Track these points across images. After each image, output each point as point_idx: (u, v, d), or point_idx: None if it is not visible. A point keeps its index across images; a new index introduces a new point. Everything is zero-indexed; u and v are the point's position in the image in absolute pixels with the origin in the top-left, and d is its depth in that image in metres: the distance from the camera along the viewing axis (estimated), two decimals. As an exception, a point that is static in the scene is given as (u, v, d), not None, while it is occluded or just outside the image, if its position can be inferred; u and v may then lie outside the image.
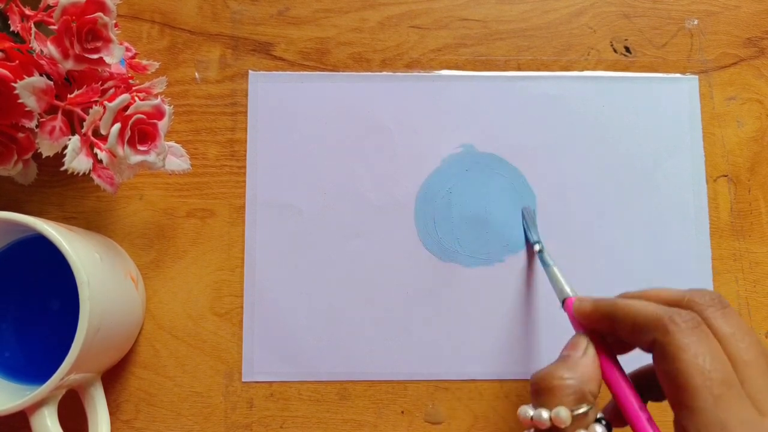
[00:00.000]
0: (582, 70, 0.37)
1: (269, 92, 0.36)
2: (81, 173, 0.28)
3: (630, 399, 0.24)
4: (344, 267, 0.35)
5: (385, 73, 0.36)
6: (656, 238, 0.35)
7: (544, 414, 0.23)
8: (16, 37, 0.29)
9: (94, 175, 0.29)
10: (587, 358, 0.25)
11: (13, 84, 0.26)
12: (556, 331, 0.34)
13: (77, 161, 0.28)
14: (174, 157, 0.31)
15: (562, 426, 0.23)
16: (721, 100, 0.37)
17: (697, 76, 0.37)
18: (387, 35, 0.37)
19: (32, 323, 0.31)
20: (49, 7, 0.29)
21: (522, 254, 0.35)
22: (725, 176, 0.36)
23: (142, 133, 0.29)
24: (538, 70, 0.37)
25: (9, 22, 0.29)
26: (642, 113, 0.36)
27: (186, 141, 0.35)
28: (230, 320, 0.34)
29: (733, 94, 0.37)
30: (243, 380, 0.34)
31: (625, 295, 0.26)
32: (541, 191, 0.35)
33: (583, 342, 0.26)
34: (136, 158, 0.28)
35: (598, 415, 0.24)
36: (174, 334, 0.34)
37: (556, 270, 0.30)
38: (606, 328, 0.26)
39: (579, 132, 0.36)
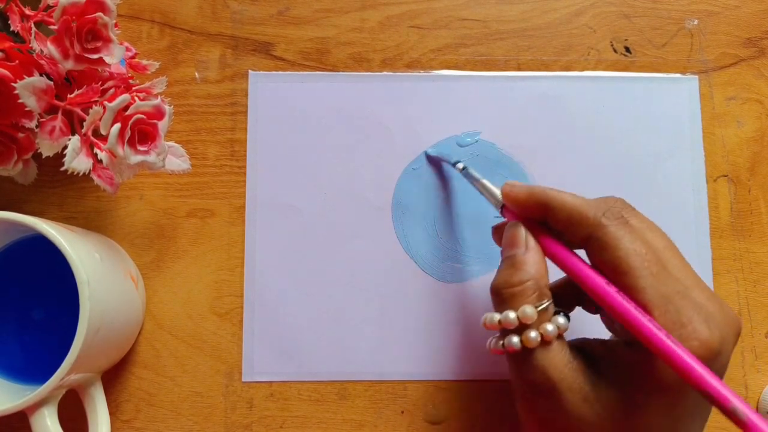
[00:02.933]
0: (582, 70, 0.37)
1: (269, 92, 0.36)
2: (81, 173, 0.28)
3: (593, 275, 0.24)
4: (344, 267, 0.35)
5: (385, 73, 0.36)
6: (656, 238, 0.35)
7: (511, 315, 0.25)
8: (16, 37, 0.29)
9: (94, 175, 0.29)
10: (532, 251, 0.26)
11: (13, 84, 0.26)
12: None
13: (77, 161, 0.28)
14: (174, 157, 0.31)
15: (530, 322, 0.25)
16: (721, 100, 0.37)
17: (697, 76, 0.37)
18: (387, 35, 0.37)
19: (32, 323, 0.31)
20: (49, 7, 0.29)
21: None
22: (725, 176, 0.36)
23: (142, 133, 0.29)
24: (538, 70, 0.37)
25: (9, 22, 0.29)
26: (642, 113, 0.36)
27: (186, 141, 0.35)
28: (230, 320, 0.34)
29: (733, 94, 0.37)
30: (243, 380, 0.34)
31: (544, 188, 0.27)
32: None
33: (521, 233, 0.27)
34: (136, 158, 0.28)
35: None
36: (174, 334, 0.34)
37: (486, 182, 0.30)
38: (537, 217, 0.27)
39: (579, 132, 0.36)
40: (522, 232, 0.27)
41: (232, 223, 0.35)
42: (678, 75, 0.37)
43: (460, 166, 0.33)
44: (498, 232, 0.30)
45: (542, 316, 0.25)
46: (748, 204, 0.36)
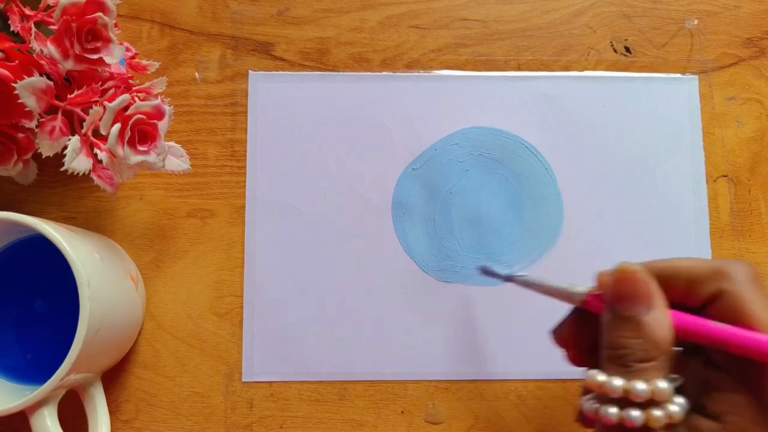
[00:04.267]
0: (582, 70, 0.37)
1: (269, 92, 0.36)
2: (81, 173, 0.28)
3: (755, 335, 0.21)
4: (344, 267, 0.35)
5: (385, 73, 0.36)
6: (656, 238, 0.35)
7: (640, 386, 0.21)
8: (16, 37, 0.29)
9: (94, 176, 0.29)
10: (661, 312, 0.22)
11: (13, 84, 0.26)
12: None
13: (77, 161, 0.28)
14: (174, 158, 0.31)
15: (663, 400, 0.21)
16: (721, 100, 0.37)
17: (697, 76, 0.37)
18: (387, 35, 0.37)
19: (32, 323, 0.31)
20: (49, 7, 0.29)
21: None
22: (725, 176, 0.36)
23: (142, 134, 0.29)
24: (538, 70, 0.37)
25: (9, 22, 0.29)
26: (642, 113, 0.36)
27: (186, 141, 0.35)
28: (230, 320, 0.34)
29: (733, 94, 0.37)
30: (243, 380, 0.34)
31: (648, 264, 0.24)
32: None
33: (651, 286, 0.22)
34: (136, 158, 0.28)
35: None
36: (174, 334, 0.34)
37: (547, 281, 0.26)
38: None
39: (579, 132, 0.36)
40: (652, 285, 0.22)
41: (232, 223, 0.35)
42: (678, 75, 0.37)
43: (522, 277, 0.28)
44: (562, 332, 0.26)
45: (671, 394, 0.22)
46: (748, 204, 0.36)
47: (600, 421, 0.22)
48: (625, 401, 0.22)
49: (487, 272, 0.31)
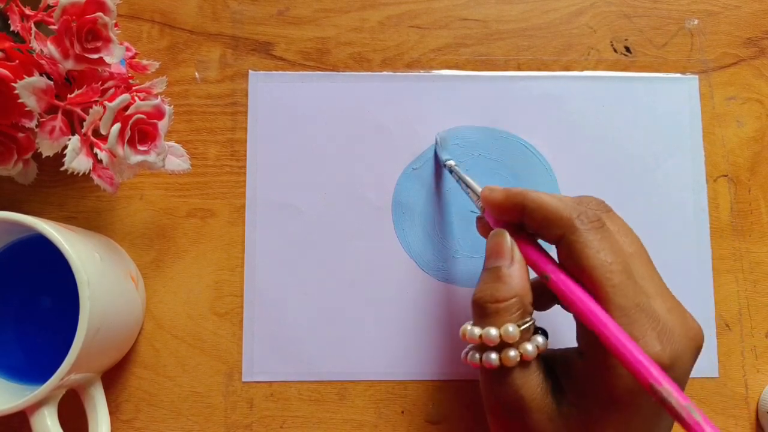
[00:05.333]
0: (582, 70, 0.37)
1: (269, 92, 0.36)
2: (81, 173, 0.28)
3: (578, 295, 0.24)
4: (344, 267, 0.35)
5: (385, 73, 0.36)
6: (656, 238, 0.35)
7: (493, 332, 0.24)
8: (16, 37, 0.29)
9: (94, 175, 0.29)
10: (517, 266, 0.26)
11: (13, 84, 0.26)
12: (557, 331, 0.34)
13: (77, 161, 0.28)
14: (174, 157, 0.31)
15: (512, 341, 0.24)
16: (721, 100, 0.37)
17: (697, 76, 0.37)
18: (387, 35, 0.37)
19: (32, 323, 0.31)
20: (49, 7, 0.29)
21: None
22: (725, 176, 0.36)
23: (142, 133, 0.29)
24: (538, 70, 0.37)
25: (9, 21, 0.29)
26: (642, 113, 0.36)
27: (186, 141, 0.35)
28: (230, 320, 0.34)
29: (733, 94, 0.37)
30: (243, 380, 0.34)
31: (521, 189, 0.27)
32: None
33: (507, 243, 0.26)
34: (136, 158, 0.28)
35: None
36: (174, 334, 0.34)
37: (470, 181, 0.30)
38: (515, 219, 0.27)
39: (579, 132, 0.36)
40: (508, 242, 0.26)
41: (233, 223, 0.35)
42: (678, 75, 0.37)
43: (451, 163, 0.33)
44: (482, 223, 0.30)
45: (523, 335, 0.25)
46: (748, 204, 0.36)
47: (475, 367, 0.26)
48: (499, 346, 0.25)
49: (436, 143, 0.35)
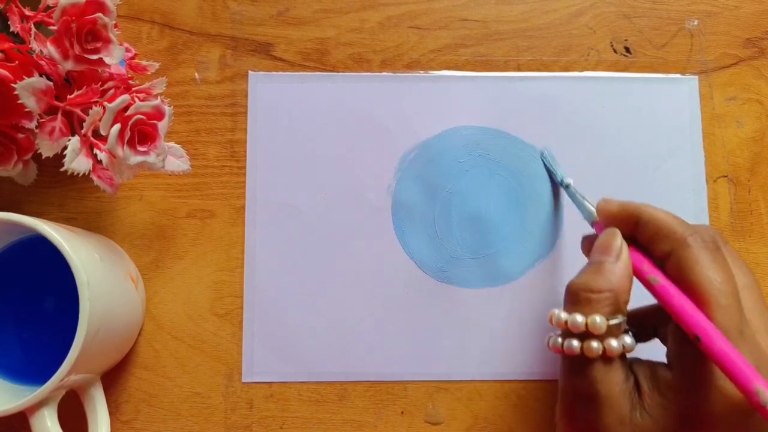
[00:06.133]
0: (582, 71, 0.37)
1: (269, 92, 0.36)
2: (81, 174, 0.28)
3: (684, 302, 0.23)
4: (344, 267, 0.35)
5: (385, 73, 0.36)
6: (656, 239, 0.35)
7: (579, 318, 0.24)
8: (16, 37, 0.29)
9: (93, 176, 0.29)
10: (622, 264, 0.25)
11: (13, 85, 0.26)
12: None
13: (77, 162, 0.28)
14: (174, 158, 0.31)
15: (597, 333, 0.24)
16: (721, 100, 0.37)
17: (697, 77, 0.37)
18: (387, 35, 0.37)
19: (32, 323, 0.31)
20: (48, 7, 0.29)
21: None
22: (725, 177, 0.36)
23: (141, 134, 0.29)
24: (538, 70, 0.37)
25: (9, 22, 0.29)
26: (642, 113, 0.36)
27: (186, 141, 0.35)
28: (230, 320, 0.34)
29: (733, 95, 0.37)
30: (243, 381, 0.34)
31: (637, 203, 0.28)
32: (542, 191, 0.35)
33: (617, 242, 0.26)
34: (135, 159, 0.28)
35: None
36: (174, 335, 0.34)
37: (584, 199, 0.31)
38: (627, 231, 0.27)
39: (579, 132, 0.36)
40: (618, 240, 0.26)
41: (232, 223, 0.35)
42: (678, 75, 0.37)
43: (568, 181, 0.33)
44: (588, 241, 0.30)
45: (611, 331, 0.24)
46: (748, 204, 0.36)
47: (557, 352, 0.26)
48: (583, 335, 0.25)
49: (545, 162, 0.35)
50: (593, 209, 0.29)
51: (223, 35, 0.37)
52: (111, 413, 0.33)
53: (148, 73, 0.33)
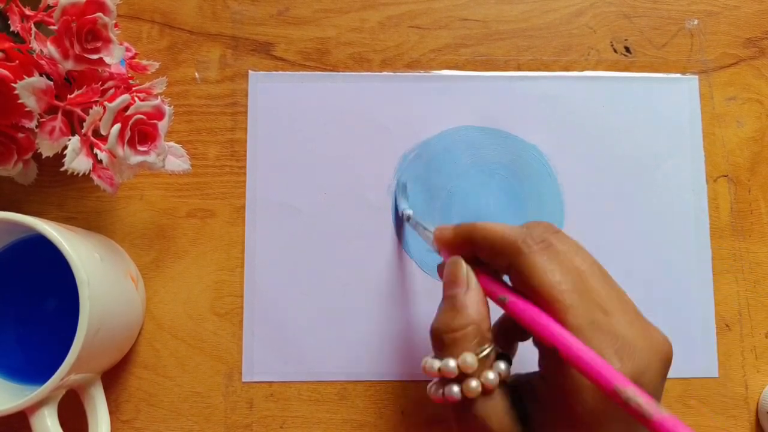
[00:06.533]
0: (582, 70, 0.37)
1: (269, 92, 0.36)
2: (81, 173, 0.28)
3: (534, 314, 0.23)
4: (344, 267, 0.35)
5: (385, 73, 0.36)
6: (656, 238, 0.35)
7: (451, 363, 0.24)
8: (16, 37, 0.29)
9: (93, 176, 0.29)
10: (473, 293, 0.25)
11: (13, 84, 0.26)
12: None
13: (77, 161, 0.28)
14: (174, 158, 0.31)
15: (470, 371, 0.23)
16: (721, 100, 0.37)
17: (697, 76, 0.37)
18: (387, 35, 0.37)
19: (32, 323, 0.31)
20: (49, 7, 0.29)
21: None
22: (725, 176, 0.36)
23: (142, 134, 0.29)
24: (538, 70, 0.37)
25: (9, 22, 0.29)
26: (642, 113, 0.36)
27: (186, 141, 0.35)
28: (230, 320, 0.34)
29: (733, 94, 0.37)
30: (243, 380, 0.34)
31: (469, 223, 0.27)
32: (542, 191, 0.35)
33: (462, 271, 0.26)
34: (136, 159, 0.28)
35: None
36: (174, 334, 0.34)
37: (425, 229, 0.30)
38: (468, 253, 0.26)
39: (579, 132, 0.36)
40: (463, 269, 0.26)
41: (232, 223, 0.35)
42: (678, 75, 0.37)
43: (407, 213, 0.33)
44: (441, 270, 0.29)
45: (483, 363, 0.24)
46: (748, 204, 0.36)
47: (439, 402, 0.25)
48: (459, 377, 0.24)
49: (397, 189, 0.35)
50: (431, 236, 0.28)
51: (224, 35, 0.37)
52: (111, 413, 0.33)
53: (149, 72, 0.33)
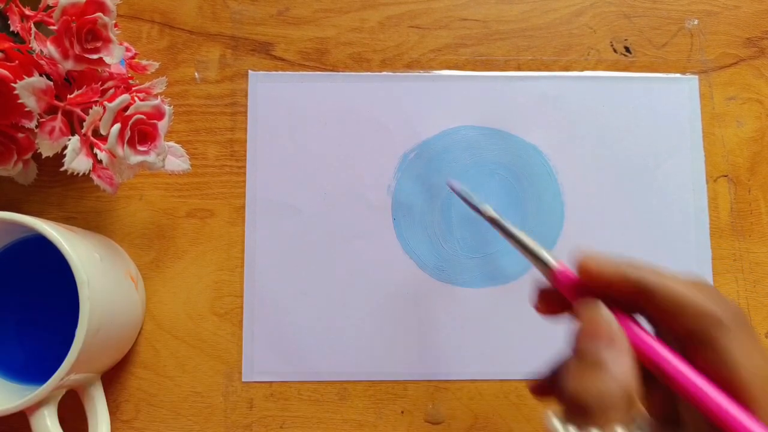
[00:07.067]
0: (582, 70, 0.37)
1: (269, 92, 0.36)
2: (81, 173, 0.28)
3: (717, 396, 0.20)
4: (344, 267, 0.35)
5: (385, 73, 0.36)
6: (656, 238, 0.35)
7: None
8: (16, 37, 0.29)
9: (93, 176, 0.29)
10: (623, 349, 0.21)
11: (13, 84, 0.26)
12: (557, 330, 0.34)
13: (77, 161, 0.28)
14: (174, 158, 0.31)
15: None
16: (721, 100, 0.37)
17: (697, 76, 0.37)
18: (387, 35, 0.37)
19: (32, 323, 0.31)
20: (49, 7, 0.29)
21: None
22: (725, 176, 0.36)
23: (141, 134, 0.29)
24: (538, 70, 0.37)
25: (9, 22, 0.29)
26: (642, 113, 0.36)
27: (186, 141, 0.35)
28: (230, 320, 0.34)
29: (733, 94, 0.37)
30: (243, 380, 0.34)
31: (637, 266, 0.22)
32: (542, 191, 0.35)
33: (610, 323, 0.21)
34: (135, 158, 0.28)
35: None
36: (174, 334, 0.34)
37: (526, 238, 0.25)
38: (624, 299, 0.22)
39: (579, 132, 0.36)
40: (611, 322, 0.21)
41: (232, 223, 0.35)
42: (678, 75, 0.37)
43: (491, 213, 0.27)
44: (545, 299, 0.25)
45: None
46: (748, 204, 0.36)
47: None
48: None
49: (456, 191, 0.29)
50: (550, 259, 0.24)
51: (223, 35, 0.37)
52: (111, 413, 0.33)
53: (148, 72, 0.33)
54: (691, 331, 0.21)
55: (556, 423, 0.20)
